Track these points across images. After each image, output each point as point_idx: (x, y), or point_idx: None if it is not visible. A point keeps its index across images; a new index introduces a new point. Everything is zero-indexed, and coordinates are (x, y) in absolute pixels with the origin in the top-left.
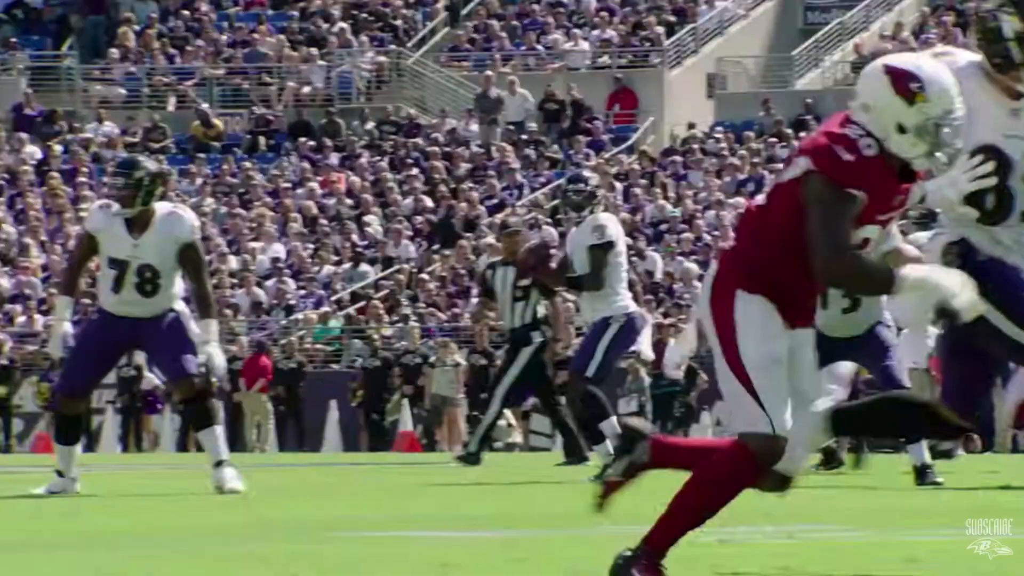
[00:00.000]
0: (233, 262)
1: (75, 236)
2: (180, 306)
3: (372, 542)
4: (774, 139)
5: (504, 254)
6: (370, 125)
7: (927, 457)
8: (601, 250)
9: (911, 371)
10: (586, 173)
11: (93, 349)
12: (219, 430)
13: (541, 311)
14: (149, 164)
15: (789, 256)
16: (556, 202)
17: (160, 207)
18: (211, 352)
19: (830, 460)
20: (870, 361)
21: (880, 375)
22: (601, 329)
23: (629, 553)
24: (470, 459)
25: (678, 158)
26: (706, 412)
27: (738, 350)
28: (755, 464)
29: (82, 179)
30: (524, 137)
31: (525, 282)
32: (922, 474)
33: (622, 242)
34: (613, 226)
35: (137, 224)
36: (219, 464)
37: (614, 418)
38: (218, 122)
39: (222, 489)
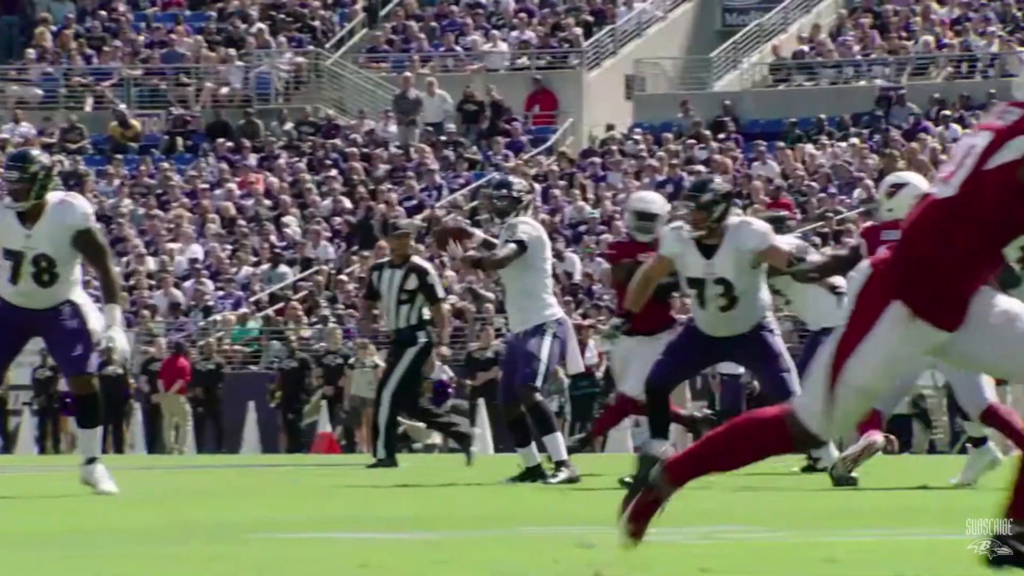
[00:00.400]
0: (151, 263)
1: None
2: (80, 297)
3: (291, 543)
4: (692, 141)
5: (392, 256)
6: (288, 126)
7: (836, 454)
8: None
9: None
10: (512, 178)
11: None
12: (100, 431)
13: (426, 313)
14: (43, 157)
15: (987, 247)
16: (476, 203)
17: (52, 196)
18: (114, 336)
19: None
20: (753, 365)
21: (770, 384)
22: (537, 337)
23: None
24: (383, 464)
25: (597, 159)
26: None
27: (853, 353)
28: (787, 447)
29: None
30: (443, 138)
31: (411, 285)
32: (838, 480)
33: (547, 249)
34: (531, 230)
35: (29, 215)
36: (91, 461)
37: (559, 433)
38: (136, 123)
39: (95, 487)
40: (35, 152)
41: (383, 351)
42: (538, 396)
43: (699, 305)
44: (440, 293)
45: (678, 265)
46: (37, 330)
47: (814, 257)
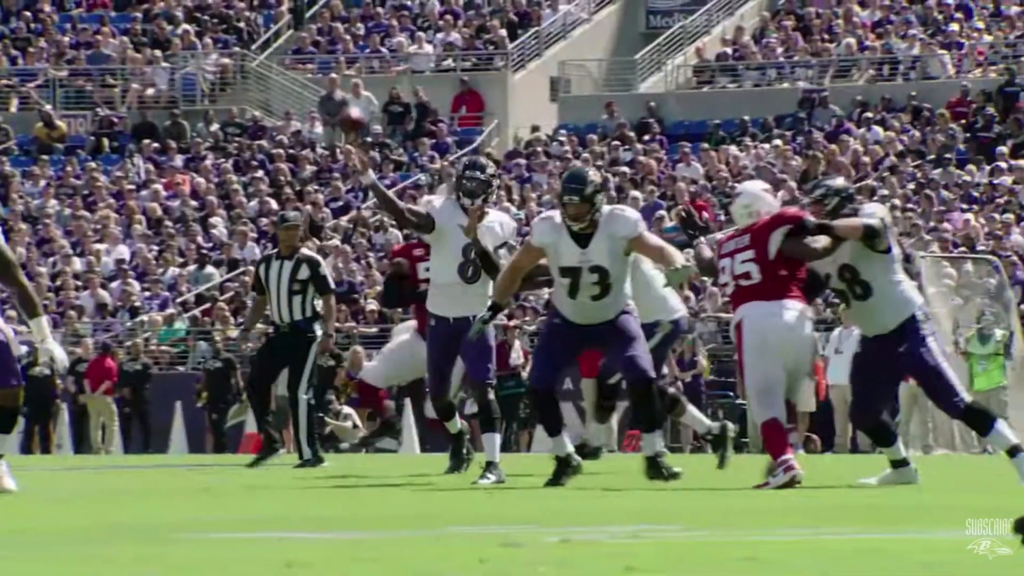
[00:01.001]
0: (77, 264)
1: None
2: None
3: (218, 543)
4: (617, 142)
5: (281, 248)
6: (214, 127)
7: (660, 446)
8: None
9: None
10: (483, 160)
11: None
12: (13, 437)
13: (319, 305)
14: None
15: None
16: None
17: None
18: (50, 349)
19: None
20: (613, 348)
21: (625, 364)
22: (482, 332)
23: None
24: (309, 464)
25: (522, 161)
26: None
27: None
28: None
29: None
30: (369, 140)
31: (303, 276)
32: (653, 466)
33: None
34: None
35: None
36: None
37: (498, 435)
38: (61, 124)
39: None
40: None
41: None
42: (492, 394)
43: (569, 295)
44: (331, 285)
45: (550, 254)
46: None
47: (707, 253)
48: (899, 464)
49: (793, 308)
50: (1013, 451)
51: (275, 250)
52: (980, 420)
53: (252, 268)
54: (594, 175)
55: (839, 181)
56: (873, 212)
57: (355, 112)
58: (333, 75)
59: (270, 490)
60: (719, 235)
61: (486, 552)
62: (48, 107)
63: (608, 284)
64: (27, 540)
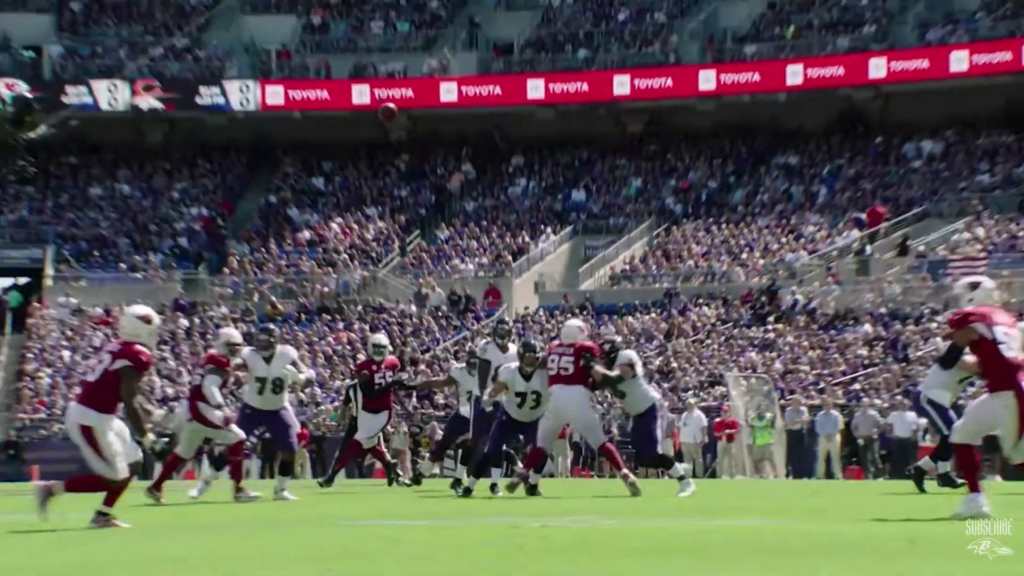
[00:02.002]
0: None
1: None
2: None
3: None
4: (570, 315)
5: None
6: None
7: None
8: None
9: None
10: (534, 342)
11: None
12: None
13: None
14: None
15: None
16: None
17: None
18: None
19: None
20: (531, 434)
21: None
22: None
23: None
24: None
25: (519, 325)
26: None
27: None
28: None
29: None
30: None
31: None
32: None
33: None
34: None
35: None
36: None
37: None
38: (280, 306)
39: None
40: None
41: None
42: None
43: (517, 406)
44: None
45: (509, 385)
46: None
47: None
48: (681, 478)
49: (582, 392)
50: (681, 479)
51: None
52: (665, 462)
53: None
54: (540, 344)
55: (617, 338)
56: (628, 357)
57: (392, 105)
58: (421, 280)
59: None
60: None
61: (507, 535)
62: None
63: (540, 400)
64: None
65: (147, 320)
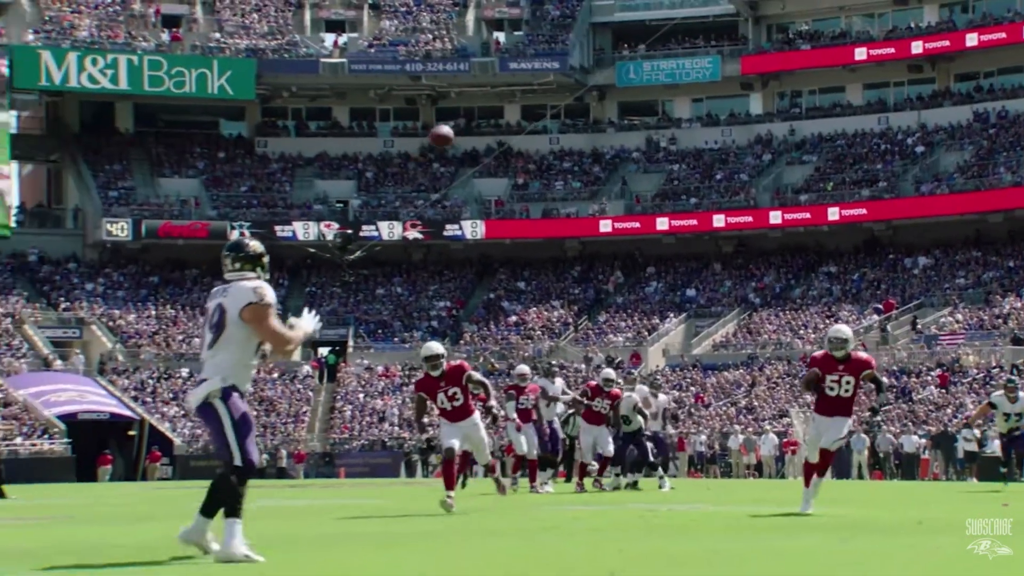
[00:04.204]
0: None
1: None
2: None
3: None
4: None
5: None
6: None
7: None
8: None
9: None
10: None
11: None
12: None
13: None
14: None
15: None
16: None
17: None
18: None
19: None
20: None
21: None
22: None
23: None
24: None
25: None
26: None
27: None
28: None
29: None
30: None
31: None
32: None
33: None
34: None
35: None
36: None
37: None
38: None
39: None
40: None
41: None
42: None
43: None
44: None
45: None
46: None
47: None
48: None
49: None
50: (660, 478)
51: None
52: (652, 466)
53: None
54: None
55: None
56: (632, 401)
57: (444, 129)
58: (587, 348)
59: None
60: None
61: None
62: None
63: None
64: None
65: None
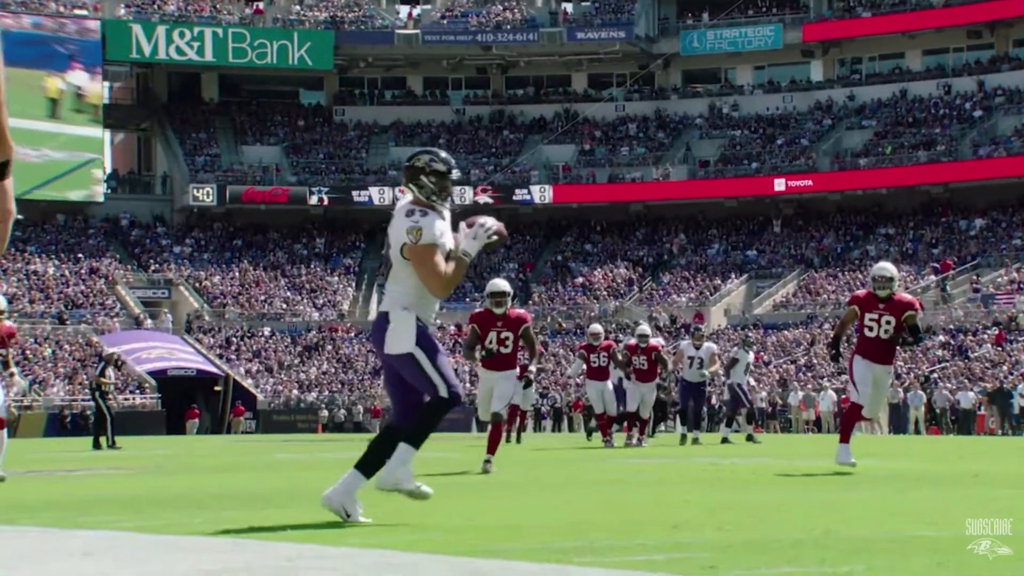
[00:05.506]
0: None
1: None
2: None
3: None
4: None
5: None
6: None
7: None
8: None
9: None
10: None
11: None
12: None
13: None
14: None
15: None
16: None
17: None
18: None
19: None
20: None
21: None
22: None
23: None
24: None
25: None
26: None
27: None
28: None
29: None
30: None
31: None
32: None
33: None
34: None
35: None
36: None
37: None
38: None
39: None
40: None
41: None
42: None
43: (689, 367)
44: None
45: (684, 351)
46: None
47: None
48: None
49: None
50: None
51: None
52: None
53: None
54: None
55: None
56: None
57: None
58: (652, 308)
59: None
60: None
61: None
62: None
63: (703, 364)
64: None
65: None
